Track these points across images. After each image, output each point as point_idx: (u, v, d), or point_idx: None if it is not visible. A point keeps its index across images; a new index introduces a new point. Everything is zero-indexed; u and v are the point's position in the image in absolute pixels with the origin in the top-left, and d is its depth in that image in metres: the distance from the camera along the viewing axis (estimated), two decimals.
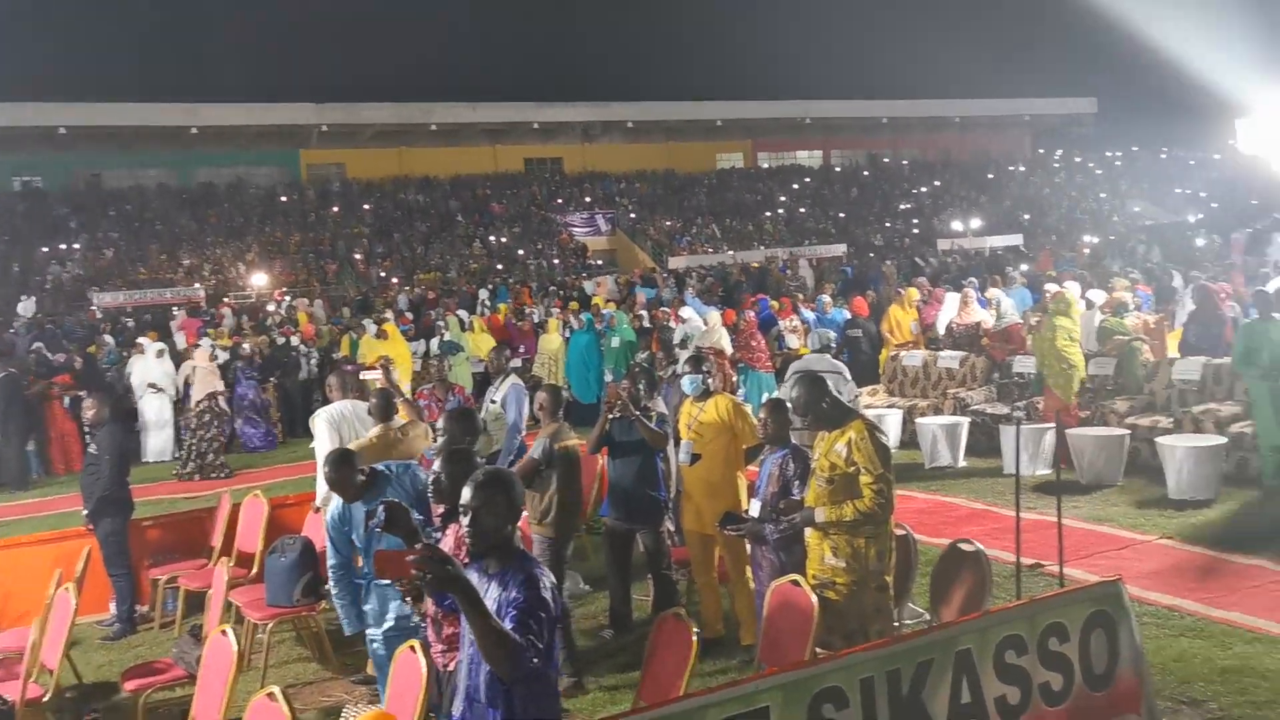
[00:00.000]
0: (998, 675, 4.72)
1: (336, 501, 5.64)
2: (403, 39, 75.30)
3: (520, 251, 39.03)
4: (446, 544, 4.46)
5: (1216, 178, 47.93)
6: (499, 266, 36.32)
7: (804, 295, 20.08)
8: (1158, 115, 55.13)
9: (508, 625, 3.33)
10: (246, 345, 16.59)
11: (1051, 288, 11.46)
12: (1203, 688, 5.46)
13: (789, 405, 5.54)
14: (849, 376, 9.96)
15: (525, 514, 6.35)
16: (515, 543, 3.66)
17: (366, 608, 5.64)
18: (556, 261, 38.37)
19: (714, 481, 6.61)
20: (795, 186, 50.73)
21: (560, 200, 46.44)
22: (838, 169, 55.77)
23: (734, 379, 13.70)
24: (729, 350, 13.94)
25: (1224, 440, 9.51)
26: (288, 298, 27.60)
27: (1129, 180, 53.09)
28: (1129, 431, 10.25)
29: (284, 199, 42.72)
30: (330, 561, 5.65)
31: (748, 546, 6.05)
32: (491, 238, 40.36)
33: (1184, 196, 48.68)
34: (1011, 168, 55.99)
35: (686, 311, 16.33)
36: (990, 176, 53.53)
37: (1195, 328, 11.89)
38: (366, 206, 42.72)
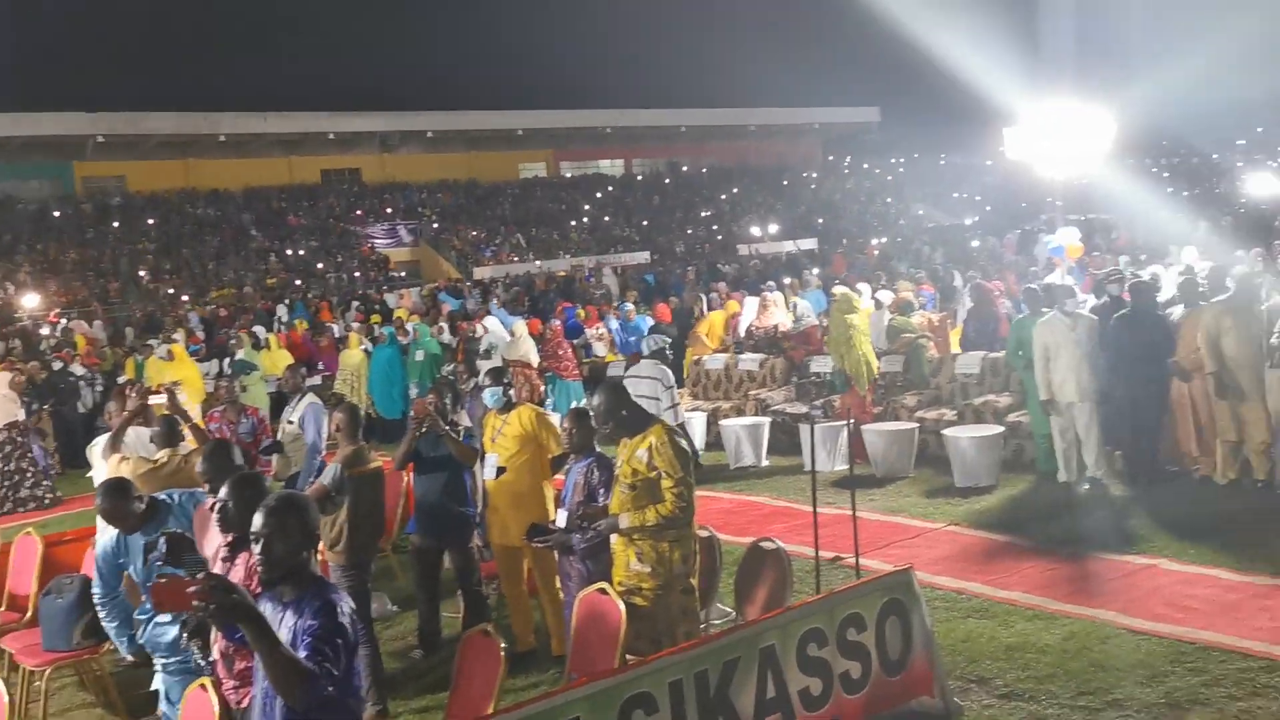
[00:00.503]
0: (800, 668, 4.86)
1: (109, 533, 5.30)
2: (187, 46, 71.90)
3: (320, 265, 37.86)
4: (237, 574, 4.26)
5: (989, 182, 51.14)
6: (297, 282, 35.12)
7: (609, 303, 20.24)
8: (935, 124, 58.41)
9: (302, 654, 3.23)
10: (18, 367, 15.44)
11: (838, 290, 11.93)
12: (989, 665, 5.77)
13: (592, 413, 5.55)
14: (671, 382, 10.14)
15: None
16: (311, 569, 3.54)
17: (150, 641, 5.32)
18: (358, 274, 37.42)
19: (520, 494, 6.57)
20: (599, 195, 51.19)
21: (360, 212, 45.33)
22: (640, 177, 56.59)
23: (542, 389, 13.67)
24: (535, 360, 13.91)
25: (1002, 429, 10.11)
26: (64, 319, 25.85)
27: (912, 185, 56.01)
28: (918, 425, 10.77)
29: (57, 214, 40.01)
30: (96, 591, 5.31)
31: (556, 557, 6.02)
32: (289, 251, 39.00)
33: (962, 200, 51.74)
34: (805, 174, 58.17)
35: (491, 322, 16.21)
36: (785, 183, 55.44)
37: (974, 324, 12.59)
38: (151, 221, 40.50)
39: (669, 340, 11.00)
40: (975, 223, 39.54)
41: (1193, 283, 9.90)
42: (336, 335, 18.68)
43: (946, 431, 10.12)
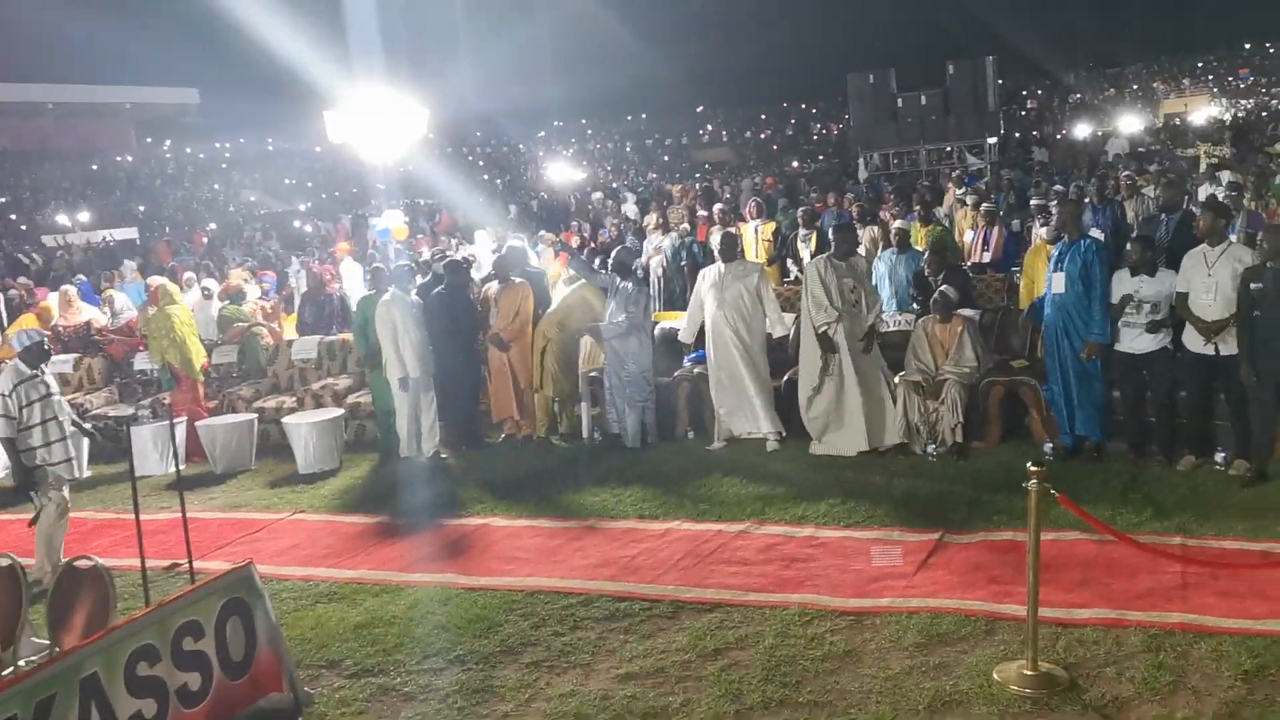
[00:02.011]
0: (130, 691, 4.42)
1: None
2: None
3: None
4: None
5: (320, 168, 51.31)
6: None
7: None
8: (259, 107, 57.01)
9: None
10: None
11: (156, 280, 11.14)
12: (339, 647, 5.73)
13: None
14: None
15: None
16: None
17: None
18: None
19: None
20: None
21: None
22: None
23: None
24: None
25: (342, 412, 10.17)
26: None
27: (240, 170, 54.26)
28: (256, 415, 10.43)
29: None
30: None
31: None
32: None
33: (294, 186, 51.29)
34: (119, 158, 53.59)
35: None
36: (95, 167, 50.57)
37: (309, 308, 12.50)
38: None
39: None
40: (310, 208, 39.39)
41: (505, 260, 10.71)
42: None
43: (287, 419, 9.92)
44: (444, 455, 9.65)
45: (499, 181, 42.01)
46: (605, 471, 8.67)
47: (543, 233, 15.77)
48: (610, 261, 9.95)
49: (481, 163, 52.25)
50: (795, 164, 41.80)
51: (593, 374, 9.82)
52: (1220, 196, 10.82)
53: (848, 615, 5.58)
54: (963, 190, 15.42)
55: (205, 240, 25.87)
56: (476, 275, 12.23)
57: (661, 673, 5.14)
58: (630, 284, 9.38)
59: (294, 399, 10.75)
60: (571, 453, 9.46)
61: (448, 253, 13.23)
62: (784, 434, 8.86)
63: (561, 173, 38.69)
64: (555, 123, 65.63)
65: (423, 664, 5.46)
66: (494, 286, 10.38)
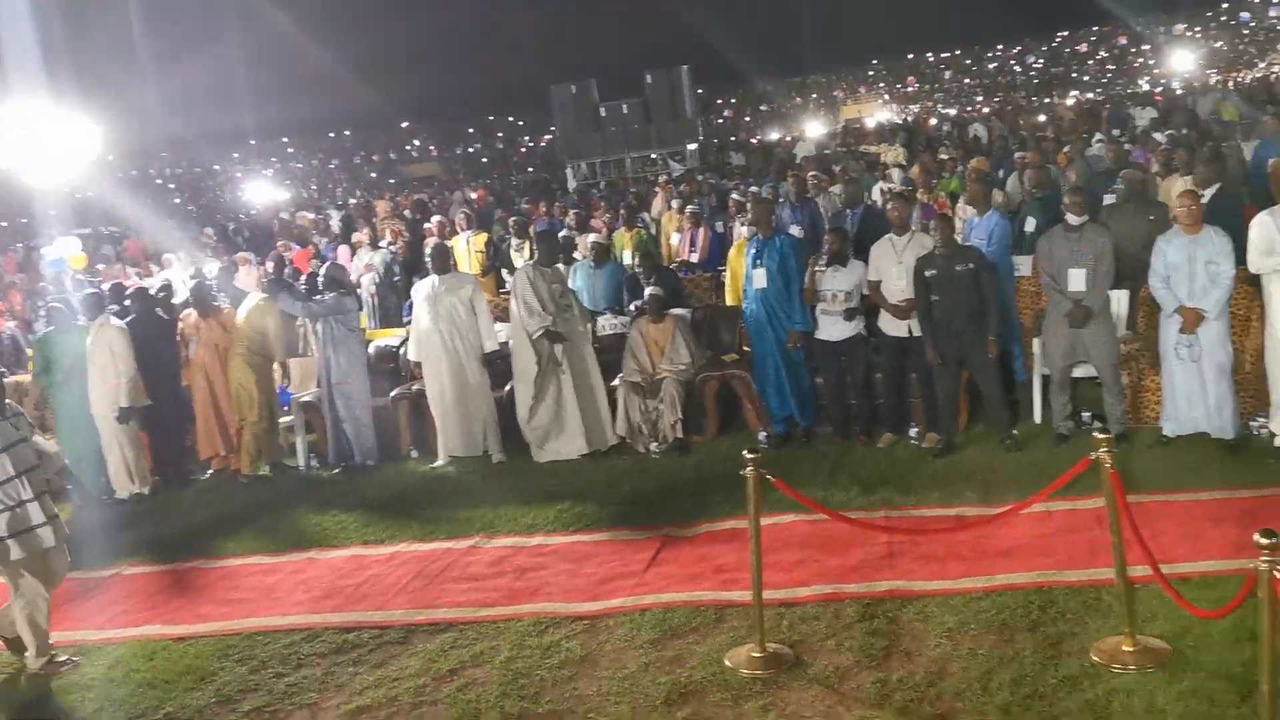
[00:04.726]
0: None
1: None
2: None
3: None
4: None
5: None
6: None
7: None
8: None
9: None
10: None
11: None
12: None
13: None
14: None
15: None
16: None
17: None
18: None
19: None
20: None
21: None
22: None
23: None
24: None
25: None
26: None
27: None
28: None
29: None
30: None
31: None
32: None
33: None
34: None
35: None
36: None
37: None
38: None
39: None
40: None
41: (203, 286, 10.02)
42: None
43: None
44: (148, 497, 8.96)
45: (192, 206, 39.65)
46: (326, 499, 8.29)
47: (240, 254, 14.92)
48: (321, 279, 9.54)
49: (172, 185, 49.22)
50: (505, 177, 41.93)
51: (306, 399, 9.37)
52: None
53: (582, 620, 5.56)
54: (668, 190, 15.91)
55: None
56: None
57: (394, 701, 4.92)
58: (337, 296, 9.00)
59: None
60: (287, 483, 8.97)
61: (126, 282, 12.24)
62: (504, 448, 8.75)
63: (263, 193, 36.97)
64: (251, 142, 62.78)
65: None
66: (193, 315, 9.70)
